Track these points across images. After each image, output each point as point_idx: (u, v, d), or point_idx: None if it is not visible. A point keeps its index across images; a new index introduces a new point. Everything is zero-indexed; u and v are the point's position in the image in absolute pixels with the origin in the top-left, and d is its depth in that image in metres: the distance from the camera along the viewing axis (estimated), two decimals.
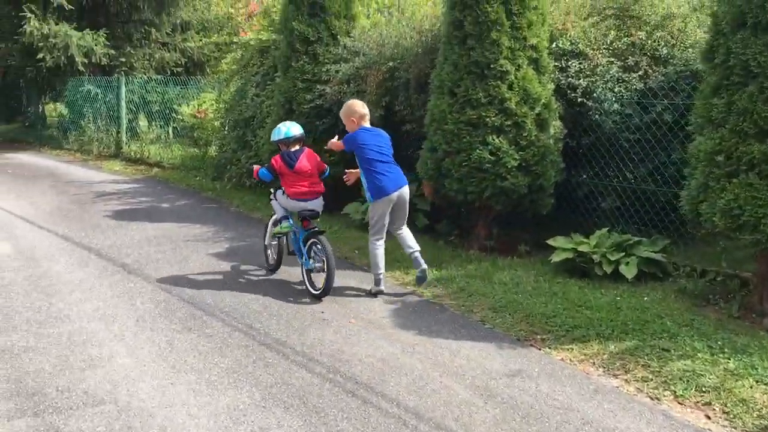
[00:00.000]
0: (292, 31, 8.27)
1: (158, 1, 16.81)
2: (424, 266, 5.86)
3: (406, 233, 5.99)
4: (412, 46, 7.28)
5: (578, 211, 6.97)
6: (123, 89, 14.57)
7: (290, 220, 6.25)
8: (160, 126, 16.55)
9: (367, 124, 5.93)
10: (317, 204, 6.13)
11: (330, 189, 6.62)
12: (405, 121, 7.45)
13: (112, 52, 16.58)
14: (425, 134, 6.87)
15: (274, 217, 6.41)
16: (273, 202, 6.41)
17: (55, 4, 15.74)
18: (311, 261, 5.87)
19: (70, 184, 11.58)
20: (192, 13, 18.75)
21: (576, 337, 4.74)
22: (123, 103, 14.60)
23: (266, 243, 6.63)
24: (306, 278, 5.93)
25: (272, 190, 6.47)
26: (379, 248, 5.87)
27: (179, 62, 17.95)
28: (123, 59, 16.63)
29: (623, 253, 5.80)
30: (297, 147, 6.17)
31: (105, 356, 4.51)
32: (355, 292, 5.95)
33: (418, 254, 5.88)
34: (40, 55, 15.60)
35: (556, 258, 6.00)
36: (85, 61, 16.00)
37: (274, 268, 6.54)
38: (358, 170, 6.02)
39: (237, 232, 8.15)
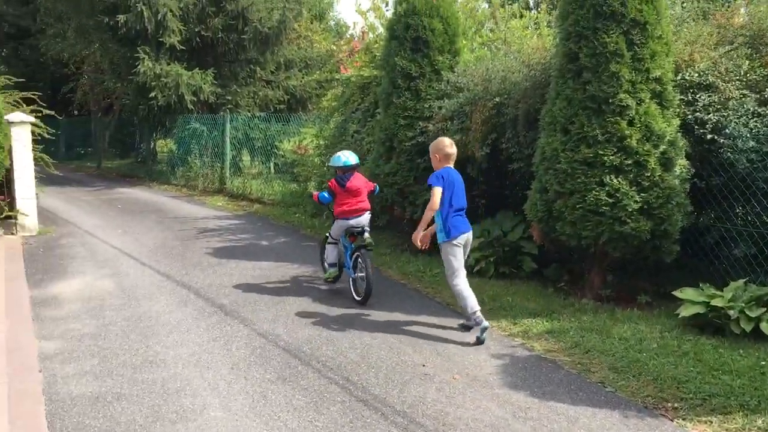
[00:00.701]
0: (394, 66, 8.06)
1: (263, 40, 17.18)
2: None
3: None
4: (520, 81, 6.89)
5: (706, 259, 6.31)
6: (228, 126, 14.87)
7: (335, 267, 7.18)
8: (262, 162, 16.81)
9: (450, 164, 5.84)
10: (363, 220, 6.84)
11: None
12: (512, 159, 7.04)
13: (219, 90, 17.05)
14: (534, 173, 6.44)
15: (326, 253, 7.23)
16: (328, 246, 7.18)
17: (167, 45, 16.35)
18: (355, 272, 6.78)
19: (174, 220, 11.78)
20: (295, 52, 19.12)
21: (715, 408, 4.14)
22: (227, 140, 14.89)
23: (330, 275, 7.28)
24: (351, 286, 6.84)
25: (328, 234, 7.20)
26: (463, 286, 5.73)
27: (282, 99, 18.26)
28: (229, 97, 17.05)
29: (764, 309, 5.13)
30: (348, 172, 6.83)
31: (197, 408, 4.29)
32: (458, 344, 5.53)
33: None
34: (152, 94, 16.21)
35: (684, 312, 5.39)
36: (194, 99, 16.50)
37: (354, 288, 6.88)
38: (431, 229, 5.90)
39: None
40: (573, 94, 5.93)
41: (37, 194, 11.06)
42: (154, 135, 18.37)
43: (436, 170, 5.82)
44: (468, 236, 5.82)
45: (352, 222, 6.83)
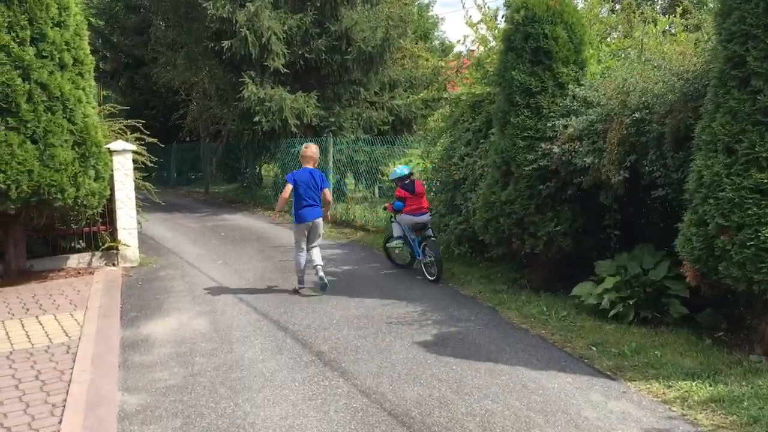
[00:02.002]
0: (511, 81, 7.17)
1: (367, 60, 16.67)
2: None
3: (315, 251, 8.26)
4: (664, 93, 5.82)
5: None
6: (331, 150, 14.38)
7: (401, 240, 8.97)
8: (366, 186, 16.24)
9: (310, 166, 8.22)
10: (426, 218, 8.80)
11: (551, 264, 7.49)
12: (656, 185, 5.96)
13: (322, 112, 16.65)
14: (687, 202, 5.36)
15: (390, 237, 9.26)
16: (394, 224, 9.09)
17: (271, 69, 16.12)
18: (426, 257, 8.60)
19: (275, 249, 11.30)
20: (400, 72, 18.52)
21: None
22: (330, 164, 14.38)
23: (391, 257, 9.67)
24: (424, 270, 8.74)
25: (393, 217, 9.15)
26: (300, 257, 8.24)
27: (386, 120, 17.69)
28: (332, 119, 16.63)
29: None
30: (408, 180, 8.84)
31: None
32: (599, 411, 4.53)
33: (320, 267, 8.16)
34: (257, 119, 15.99)
35: None
36: (297, 122, 16.16)
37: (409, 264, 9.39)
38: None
39: (445, 314, 7.07)
40: (739, 106, 4.85)
41: (140, 222, 10.87)
42: (259, 160, 18.21)
43: (296, 170, 8.36)
44: (312, 222, 8.11)
45: (419, 219, 8.71)
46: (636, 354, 5.53)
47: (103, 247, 9.92)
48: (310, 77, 17.40)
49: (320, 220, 8.21)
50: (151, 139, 11.40)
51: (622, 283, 6.40)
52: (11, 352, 6.08)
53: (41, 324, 6.98)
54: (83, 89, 8.72)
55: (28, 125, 8.07)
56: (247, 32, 15.66)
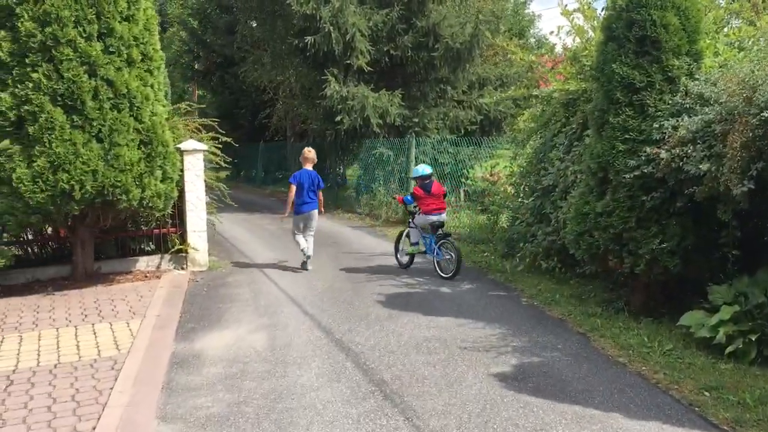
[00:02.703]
0: (611, 76, 6.23)
1: (454, 57, 15.87)
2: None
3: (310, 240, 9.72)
4: None
5: None
6: (413, 151, 13.68)
7: (418, 245, 9.26)
8: (451, 189, 15.45)
9: (308, 167, 9.60)
10: (442, 217, 9.04)
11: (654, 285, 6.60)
12: None
13: (406, 112, 15.98)
14: None
15: (403, 239, 9.65)
16: (411, 229, 9.44)
17: (354, 67, 15.58)
18: (443, 254, 8.80)
19: (350, 256, 10.70)
20: (491, 69, 17.62)
21: None
22: (412, 166, 13.66)
23: (398, 255, 9.71)
24: (437, 267, 8.92)
25: (410, 221, 9.47)
26: (299, 238, 9.68)
27: (474, 120, 16.83)
28: (416, 119, 15.92)
29: None
30: (428, 180, 9.11)
31: None
32: None
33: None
34: (339, 118, 15.50)
35: None
36: (380, 122, 15.56)
37: (406, 266, 9.56)
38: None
39: (528, 340, 6.23)
40: None
41: (213, 223, 10.53)
42: (341, 160, 17.73)
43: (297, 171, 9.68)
44: (308, 214, 9.49)
45: (434, 218, 9.03)
46: (761, 404, 4.54)
47: (172, 250, 9.60)
48: (395, 75, 16.77)
49: (315, 212, 9.62)
50: (226, 139, 11.02)
51: (742, 313, 5.39)
52: (56, 365, 5.71)
53: (95, 333, 6.62)
54: (151, 86, 8.37)
55: (94, 123, 7.78)
56: (331, 28, 15.18)
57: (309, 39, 15.41)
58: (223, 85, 27.95)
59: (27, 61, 7.56)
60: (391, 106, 15.65)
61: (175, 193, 8.81)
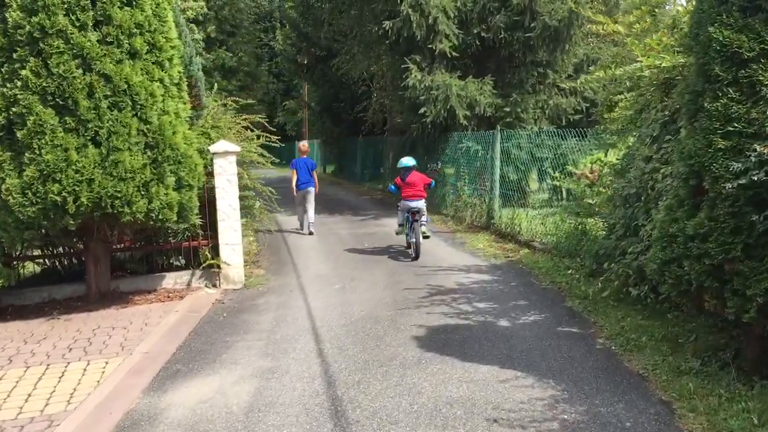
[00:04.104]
0: (706, 44, 4.37)
1: (552, 36, 13.91)
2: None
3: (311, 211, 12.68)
4: None
5: None
6: (497, 146, 11.91)
7: (404, 227, 10.36)
8: (551, 189, 13.56)
9: (303, 156, 12.79)
10: (420, 204, 10.07)
11: None
12: None
13: (499, 101, 14.19)
14: None
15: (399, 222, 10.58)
16: (398, 212, 10.55)
17: (436, 52, 13.99)
18: (411, 236, 10.07)
19: (411, 270, 9.21)
20: (599, 50, 15.45)
21: None
22: (497, 163, 11.92)
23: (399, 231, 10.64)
24: (408, 247, 10.36)
25: (399, 206, 10.52)
26: (300, 214, 13.02)
27: (578, 108, 14.75)
28: (508, 109, 14.08)
29: None
30: (408, 171, 10.27)
31: None
32: None
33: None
34: (422, 110, 14.00)
35: None
36: (467, 113, 13.88)
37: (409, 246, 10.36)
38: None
39: (587, 410, 4.52)
40: None
41: (270, 230, 9.43)
42: (429, 156, 16.16)
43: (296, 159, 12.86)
44: (305, 191, 12.51)
45: (410, 204, 10.02)
46: None
47: (203, 266, 8.52)
48: (486, 60, 15.01)
49: (312, 188, 12.56)
50: (271, 138, 9.86)
51: None
52: None
53: (61, 377, 5.58)
54: (160, 81, 7.27)
55: (89, 125, 6.78)
56: (410, 11, 13.66)
57: (387, 24, 13.98)
58: (323, 78, 27.08)
59: (14, 56, 6.66)
60: (480, 95, 13.95)
61: (195, 203, 7.69)
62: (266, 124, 10.28)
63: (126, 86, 6.88)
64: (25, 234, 6.97)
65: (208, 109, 9.52)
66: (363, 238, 12.08)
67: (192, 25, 17.05)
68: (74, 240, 7.86)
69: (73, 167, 6.65)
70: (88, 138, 6.79)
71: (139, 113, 7.01)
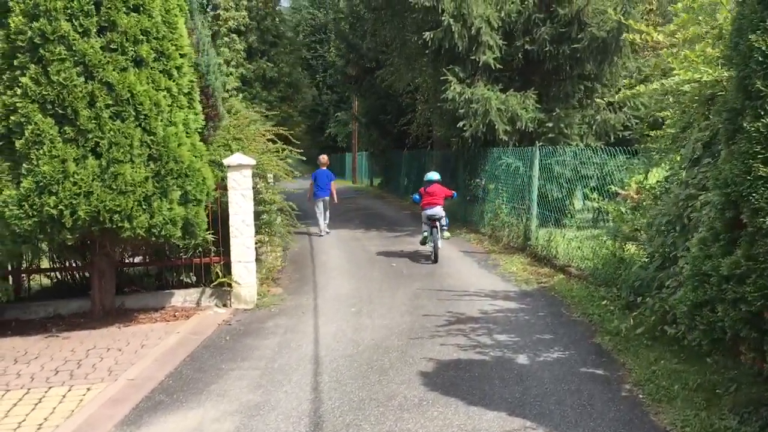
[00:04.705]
0: (747, 54, 3.73)
1: (600, 48, 13.17)
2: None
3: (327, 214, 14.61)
4: None
5: None
6: (536, 162, 11.25)
7: (426, 233, 11.20)
8: (592, 209, 12.80)
9: (323, 168, 14.52)
10: (437, 210, 11.04)
11: None
12: None
13: (542, 116, 13.51)
14: None
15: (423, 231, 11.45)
16: (423, 223, 11.44)
17: (480, 64, 13.42)
18: (429, 242, 11.02)
19: (435, 295, 8.64)
20: (642, 62, 14.62)
21: None
22: (535, 181, 11.26)
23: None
24: (432, 252, 11.02)
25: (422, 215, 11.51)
26: (319, 218, 14.54)
27: (627, 124, 13.94)
28: (550, 124, 13.38)
29: None
30: (431, 183, 11.40)
31: None
32: None
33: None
34: (461, 123, 13.43)
35: None
36: (507, 128, 13.25)
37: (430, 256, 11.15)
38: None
39: None
40: None
41: (286, 246, 9.02)
42: (467, 172, 15.54)
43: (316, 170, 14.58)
44: (322, 199, 14.28)
45: (428, 212, 11.08)
46: None
47: (214, 284, 8.15)
48: (531, 73, 14.35)
49: (327, 198, 14.34)
50: (297, 152, 9.46)
51: None
52: None
53: (36, 404, 5.24)
54: (167, 90, 6.93)
55: (89, 136, 6.47)
56: (452, 21, 13.13)
57: (428, 35, 13.49)
58: (371, 90, 26.74)
59: (15, 63, 6.41)
60: (522, 109, 13.30)
61: (203, 218, 7.32)
62: (290, 137, 9.89)
63: (129, 95, 6.56)
64: (23, 248, 6.70)
65: (228, 119, 9.16)
66: (393, 257, 11.57)
67: (233, 35, 16.84)
68: (78, 254, 7.58)
69: (71, 179, 6.36)
70: (88, 149, 6.49)
71: (142, 124, 6.68)
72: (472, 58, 13.52)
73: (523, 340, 6.57)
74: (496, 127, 13.08)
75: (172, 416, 4.99)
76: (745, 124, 3.70)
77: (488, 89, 13.35)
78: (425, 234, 11.17)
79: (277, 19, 18.32)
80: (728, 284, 3.82)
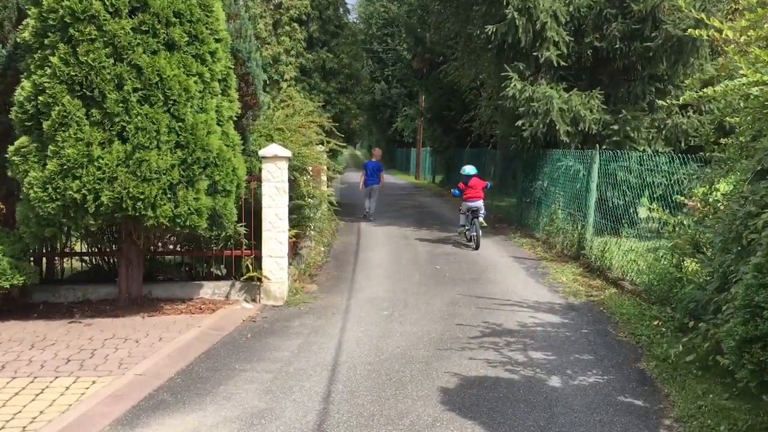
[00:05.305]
0: None
1: (676, 48, 12.31)
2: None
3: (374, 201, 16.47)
4: None
5: None
6: (595, 168, 10.57)
7: (464, 227, 12.60)
8: (657, 219, 11.95)
9: (373, 159, 17.47)
10: (479, 204, 12.15)
11: None
12: None
13: (607, 117, 12.76)
14: None
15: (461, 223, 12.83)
16: (461, 215, 12.68)
17: (542, 60, 12.78)
18: (473, 230, 12.13)
19: (474, 302, 8.16)
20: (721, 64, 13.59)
21: None
22: (593, 186, 10.58)
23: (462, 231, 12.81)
24: (468, 240, 12.41)
25: (460, 208, 12.81)
26: (365, 202, 16.65)
27: (701, 131, 13.01)
28: (616, 126, 12.61)
29: None
30: (470, 177, 12.45)
31: None
32: None
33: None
34: (520, 122, 12.83)
35: None
36: (569, 129, 12.57)
37: (468, 240, 12.50)
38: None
39: None
40: None
41: (328, 244, 8.73)
42: (525, 174, 14.88)
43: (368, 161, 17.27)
44: (371, 187, 16.11)
45: (471, 204, 12.20)
46: None
47: (244, 277, 7.90)
48: (599, 72, 13.57)
49: (377, 186, 16.22)
50: (339, 144, 9.12)
51: None
52: None
53: (37, 395, 5.07)
54: (199, 75, 6.68)
55: (116, 119, 6.29)
56: (516, 14, 12.54)
57: (490, 29, 12.93)
58: (436, 85, 26.23)
59: (46, 42, 6.28)
60: (586, 109, 12.59)
61: (232, 210, 7.06)
62: (334, 129, 9.56)
63: (158, 79, 6.34)
64: (46, 231, 6.58)
65: (271, 109, 8.90)
66: (439, 258, 11.11)
67: (295, 24, 16.61)
68: (105, 240, 7.45)
69: (96, 164, 6.20)
70: (114, 133, 6.32)
71: (171, 109, 6.46)
72: (536, 54, 12.88)
73: (559, 360, 6.04)
74: (557, 127, 12.41)
75: (169, 419, 4.72)
76: None
77: (551, 87, 12.69)
78: (464, 225, 12.53)
79: (340, 9, 17.92)
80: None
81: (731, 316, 5.04)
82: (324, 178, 12.95)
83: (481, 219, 12.21)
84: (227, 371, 5.69)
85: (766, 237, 3.80)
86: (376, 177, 16.22)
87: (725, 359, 5.11)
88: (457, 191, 12.66)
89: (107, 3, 6.24)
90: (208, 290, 7.89)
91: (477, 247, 11.90)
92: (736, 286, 4.61)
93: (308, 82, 16.79)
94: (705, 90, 6.31)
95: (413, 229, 14.77)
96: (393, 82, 47.44)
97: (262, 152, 7.76)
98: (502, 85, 13.05)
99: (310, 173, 9.61)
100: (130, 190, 6.23)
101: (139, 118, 6.30)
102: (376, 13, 49.19)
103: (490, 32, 12.95)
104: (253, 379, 5.50)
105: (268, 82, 15.83)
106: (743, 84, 4.98)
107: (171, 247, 8.15)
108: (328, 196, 9.95)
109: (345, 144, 9.83)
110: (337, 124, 14.35)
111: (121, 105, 6.27)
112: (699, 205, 8.91)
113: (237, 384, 5.40)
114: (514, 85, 12.77)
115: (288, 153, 7.88)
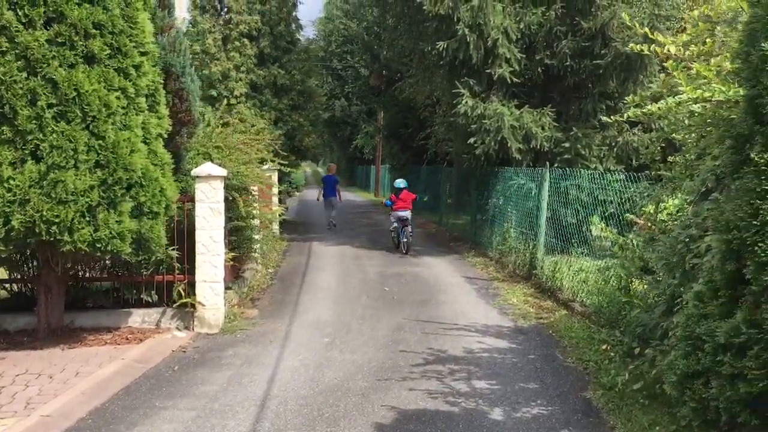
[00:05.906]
0: (758, 66, 2.90)
1: (625, 65, 12.28)
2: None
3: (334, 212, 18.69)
4: None
5: None
6: (545, 186, 10.39)
7: (394, 231, 14.28)
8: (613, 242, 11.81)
9: (330, 173, 19.42)
10: (407, 213, 13.77)
11: None
12: None
13: (559, 135, 12.64)
14: None
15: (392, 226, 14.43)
16: (390, 218, 14.41)
17: (495, 77, 12.61)
18: (402, 237, 13.72)
19: (420, 327, 7.84)
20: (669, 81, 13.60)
21: None
22: (544, 204, 10.39)
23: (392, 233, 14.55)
24: (399, 246, 13.92)
25: (391, 217, 14.40)
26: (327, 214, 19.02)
27: (650, 148, 12.96)
28: (568, 144, 12.50)
29: None
30: (399, 190, 14.11)
31: None
32: None
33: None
34: (472, 140, 12.64)
35: None
36: (521, 147, 12.41)
37: (397, 245, 14.16)
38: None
39: None
40: None
41: (277, 266, 8.32)
42: (478, 192, 14.70)
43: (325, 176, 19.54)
44: (328, 200, 18.31)
45: (400, 214, 13.74)
46: None
47: (176, 305, 7.46)
48: (550, 89, 13.48)
49: (334, 198, 18.26)
50: (282, 163, 8.77)
51: None
52: None
53: None
54: (122, 90, 6.27)
55: (29, 138, 5.84)
56: (467, 31, 12.37)
57: (441, 45, 12.75)
58: (392, 102, 26.07)
59: None
60: (537, 127, 12.45)
61: (159, 233, 6.63)
62: (277, 149, 9.20)
63: (75, 94, 5.92)
64: None
65: (209, 126, 8.51)
66: (389, 280, 10.78)
67: (245, 39, 16.26)
68: (26, 267, 6.97)
69: (5, 185, 5.75)
70: (27, 152, 5.87)
71: (90, 126, 6.03)
72: (488, 71, 12.73)
73: (503, 389, 5.74)
74: (509, 145, 12.26)
75: None
76: (753, 155, 2.88)
77: (502, 105, 12.55)
78: (393, 230, 14.31)
79: (292, 25, 17.62)
80: (725, 355, 3.00)
81: (675, 346, 4.80)
82: (274, 198, 12.59)
83: (409, 228, 13.71)
84: (145, 410, 5.26)
85: (708, 262, 3.55)
86: (333, 190, 18.33)
87: (671, 390, 4.87)
88: (389, 201, 14.41)
89: (20, 13, 5.83)
90: (137, 318, 7.43)
91: (406, 252, 13.47)
92: (678, 315, 4.36)
93: (259, 99, 16.44)
94: (649, 107, 6.12)
95: (366, 249, 14.44)
96: (353, 99, 47.20)
97: (195, 171, 7.37)
98: (454, 102, 12.88)
99: (254, 193, 9.23)
100: (44, 213, 5.78)
101: (54, 135, 5.86)
102: (335, 31, 49.00)
103: (441, 49, 12.79)
104: (172, 419, 5.08)
105: (216, 98, 15.48)
106: (684, 101, 4.77)
107: (98, 273, 7.68)
108: (279, 215, 9.53)
109: (299, 161, 9.45)
110: (289, 141, 13.97)
111: (34, 122, 5.83)
112: (648, 224, 8.74)
113: (154, 424, 4.98)
114: (466, 102, 12.61)
115: (223, 172, 7.50)
